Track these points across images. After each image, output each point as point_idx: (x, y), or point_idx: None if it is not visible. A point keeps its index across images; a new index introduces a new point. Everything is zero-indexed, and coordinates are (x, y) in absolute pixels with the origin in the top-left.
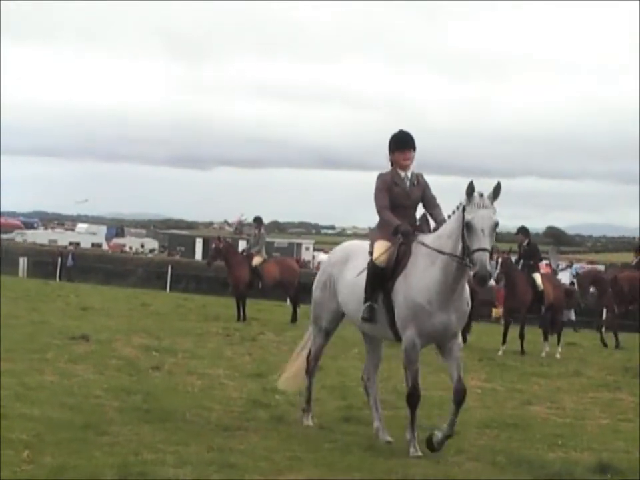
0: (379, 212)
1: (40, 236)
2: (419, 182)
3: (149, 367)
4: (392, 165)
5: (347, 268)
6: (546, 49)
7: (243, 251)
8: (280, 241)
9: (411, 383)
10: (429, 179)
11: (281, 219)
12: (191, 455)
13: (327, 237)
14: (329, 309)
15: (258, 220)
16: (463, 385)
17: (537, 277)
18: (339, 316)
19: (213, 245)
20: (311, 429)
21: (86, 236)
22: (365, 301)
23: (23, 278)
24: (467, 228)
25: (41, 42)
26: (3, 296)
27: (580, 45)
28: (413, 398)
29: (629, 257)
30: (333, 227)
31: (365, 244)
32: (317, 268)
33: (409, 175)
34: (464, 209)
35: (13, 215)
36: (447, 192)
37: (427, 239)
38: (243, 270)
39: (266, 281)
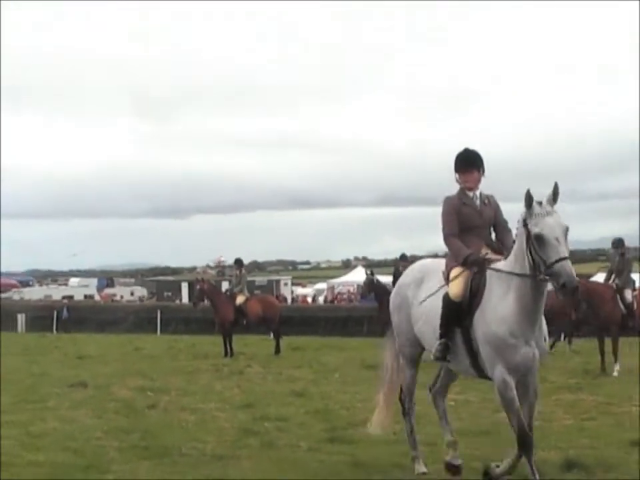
0: (446, 240)
1: (35, 292)
2: (489, 202)
3: (144, 407)
4: (459, 184)
5: (421, 290)
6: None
7: (227, 290)
8: (260, 279)
9: (517, 425)
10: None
11: (260, 259)
12: None
13: (303, 272)
14: (406, 335)
15: (238, 262)
16: (527, 429)
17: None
18: (419, 342)
19: (198, 287)
20: (300, 451)
21: (78, 289)
22: (440, 337)
23: (21, 333)
24: (537, 241)
25: (32, 110)
26: (2, 352)
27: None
28: (525, 441)
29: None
30: (308, 262)
31: (442, 262)
32: (302, 301)
33: (478, 194)
34: (525, 224)
35: (8, 275)
36: (414, 222)
37: (500, 264)
38: (228, 309)
39: (250, 318)
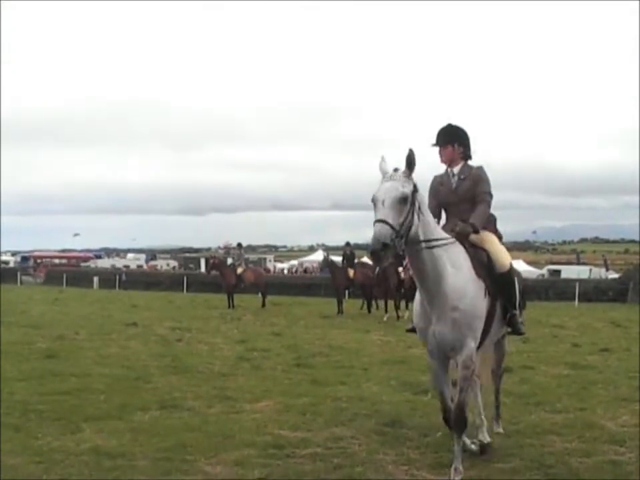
0: None
1: (105, 263)
2: (470, 175)
3: (174, 340)
4: None
5: None
6: None
7: (231, 264)
8: (252, 256)
9: (441, 406)
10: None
11: (253, 243)
12: (202, 392)
13: (282, 253)
14: None
15: (239, 245)
16: (457, 409)
17: None
18: None
19: (211, 261)
20: (277, 372)
21: (133, 261)
22: None
23: (96, 289)
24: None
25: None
26: (84, 301)
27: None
28: (449, 421)
29: None
30: (285, 246)
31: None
32: (280, 272)
33: (457, 170)
34: None
35: (88, 251)
36: (356, 221)
37: None
38: (231, 276)
39: (246, 283)
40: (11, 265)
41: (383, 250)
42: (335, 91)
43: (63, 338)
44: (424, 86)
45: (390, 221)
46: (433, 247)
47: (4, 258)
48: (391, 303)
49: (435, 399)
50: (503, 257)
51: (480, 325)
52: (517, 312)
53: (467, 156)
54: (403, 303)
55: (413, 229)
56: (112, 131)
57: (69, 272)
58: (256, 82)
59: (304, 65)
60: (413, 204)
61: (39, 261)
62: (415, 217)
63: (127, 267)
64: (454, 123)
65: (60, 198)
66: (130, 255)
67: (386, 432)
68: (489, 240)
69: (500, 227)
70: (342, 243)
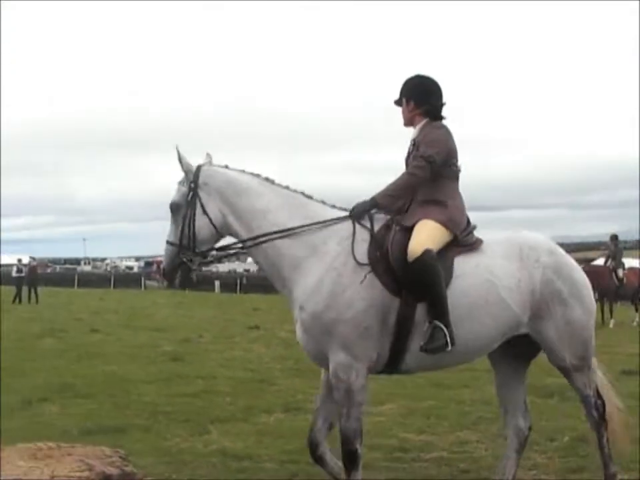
0: None
1: (226, 267)
2: (424, 136)
3: (296, 343)
4: None
5: None
6: None
7: None
8: None
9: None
10: None
11: None
12: None
13: None
14: None
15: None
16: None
17: None
18: None
19: None
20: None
21: (253, 265)
22: None
23: (217, 293)
24: None
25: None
26: (207, 304)
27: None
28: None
29: None
30: None
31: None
32: None
33: (414, 133)
34: None
35: None
36: None
37: None
38: None
39: None
40: (135, 270)
41: (173, 271)
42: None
43: (187, 341)
44: (527, 79)
45: (171, 239)
46: (260, 243)
47: (128, 263)
48: None
49: (561, 403)
50: (416, 243)
51: (347, 331)
52: (439, 322)
53: (430, 114)
54: None
55: (200, 232)
56: (230, 136)
57: None
58: (368, 83)
59: (410, 64)
60: (191, 207)
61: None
62: (201, 220)
63: (247, 270)
64: (422, 73)
65: None
66: (250, 259)
67: None
68: (420, 225)
69: None
70: None
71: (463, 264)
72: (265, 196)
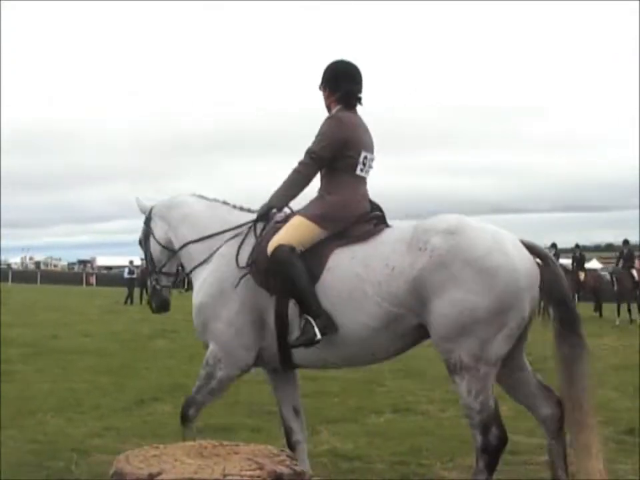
0: None
1: None
2: None
3: None
4: None
5: None
6: None
7: None
8: None
9: None
10: None
11: None
12: (435, 396)
13: None
14: None
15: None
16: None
17: None
18: None
19: None
20: None
21: None
22: None
23: None
24: None
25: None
26: None
27: None
28: None
29: None
30: None
31: None
32: None
33: None
34: None
35: None
36: None
37: None
38: None
39: None
40: None
41: (151, 297)
42: (535, 89)
43: None
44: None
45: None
46: (179, 250)
47: None
48: (624, 305)
49: None
50: (273, 240)
51: (220, 328)
52: (307, 315)
53: (342, 100)
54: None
55: (156, 256)
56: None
57: None
58: (454, 85)
59: (495, 65)
60: (147, 237)
61: None
62: (154, 244)
63: None
64: (342, 58)
65: None
66: None
67: (624, 440)
68: (289, 222)
69: None
70: (566, 245)
71: (339, 256)
72: (194, 205)
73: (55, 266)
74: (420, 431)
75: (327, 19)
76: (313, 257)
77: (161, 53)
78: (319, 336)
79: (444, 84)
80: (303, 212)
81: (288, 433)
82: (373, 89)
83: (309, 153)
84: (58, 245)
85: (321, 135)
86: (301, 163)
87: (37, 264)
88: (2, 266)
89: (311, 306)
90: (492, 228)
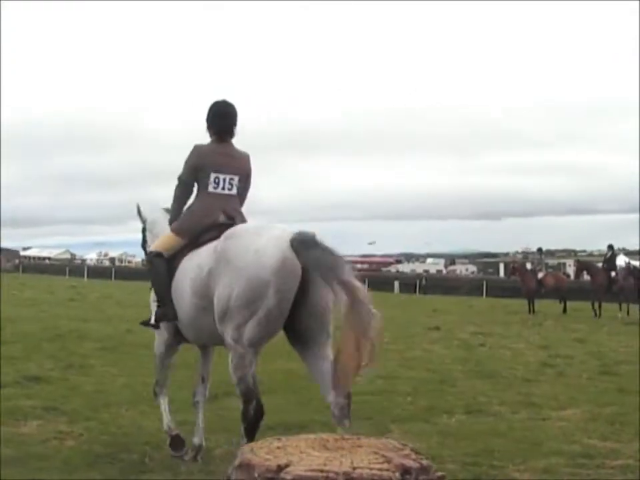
0: None
1: (405, 267)
2: None
3: (477, 344)
4: None
5: None
6: None
7: (532, 269)
8: (551, 261)
9: None
10: None
11: (551, 247)
12: (507, 397)
13: (582, 257)
14: None
15: (539, 250)
16: None
17: None
18: None
19: (511, 267)
20: (581, 379)
21: (432, 265)
22: None
23: (396, 294)
24: None
25: None
26: (387, 304)
27: None
28: None
29: None
30: (584, 251)
31: None
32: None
33: None
34: None
35: (387, 256)
36: None
37: None
38: (532, 281)
39: (546, 288)
40: None
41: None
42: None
43: None
44: None
45: None
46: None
47: None
48: None
49: None
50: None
51: None
52: (158, 305)
53: (216, 134)
54: None
55: None
56: (390, 139)
57: (370, 276)
58: (512, 82)
59: (558, 64)
60: (145, 243)
61: None
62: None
63: (426, 271)
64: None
65: (353, 205)
66: (429, 260)
67: None
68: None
69: None
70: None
71: (186, 261)
72: (162, 222)
73: (130, 262)
74: (492, 432)
75: (327, 19)
76: (174, 260)
77: (160, 53)
78: (152, 320)
79: (512, 84)
80: (172, 224)
81: (194, 394)
82: (442, 88)
83: (178, 177)
84: (133, 241)
85: (184, 164)
86: (175, 186)
87: (112, 260)
88: (77, 262)
89: (160, 297)
90: (257, 232)
